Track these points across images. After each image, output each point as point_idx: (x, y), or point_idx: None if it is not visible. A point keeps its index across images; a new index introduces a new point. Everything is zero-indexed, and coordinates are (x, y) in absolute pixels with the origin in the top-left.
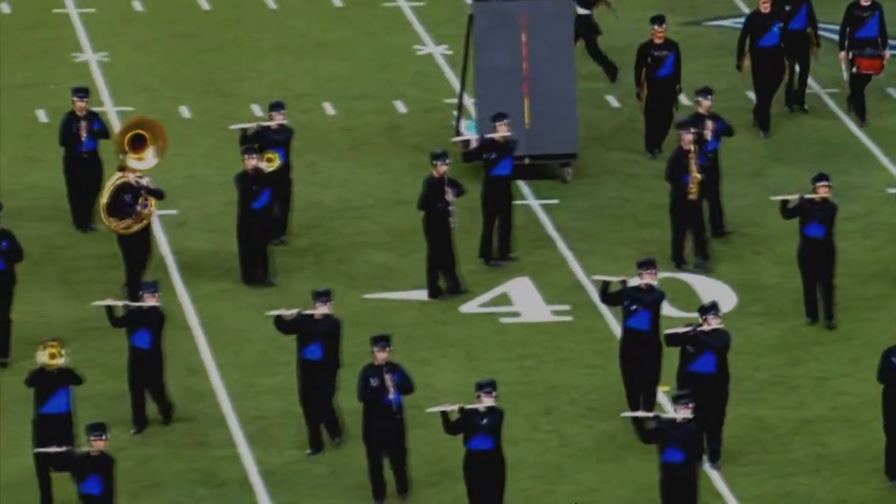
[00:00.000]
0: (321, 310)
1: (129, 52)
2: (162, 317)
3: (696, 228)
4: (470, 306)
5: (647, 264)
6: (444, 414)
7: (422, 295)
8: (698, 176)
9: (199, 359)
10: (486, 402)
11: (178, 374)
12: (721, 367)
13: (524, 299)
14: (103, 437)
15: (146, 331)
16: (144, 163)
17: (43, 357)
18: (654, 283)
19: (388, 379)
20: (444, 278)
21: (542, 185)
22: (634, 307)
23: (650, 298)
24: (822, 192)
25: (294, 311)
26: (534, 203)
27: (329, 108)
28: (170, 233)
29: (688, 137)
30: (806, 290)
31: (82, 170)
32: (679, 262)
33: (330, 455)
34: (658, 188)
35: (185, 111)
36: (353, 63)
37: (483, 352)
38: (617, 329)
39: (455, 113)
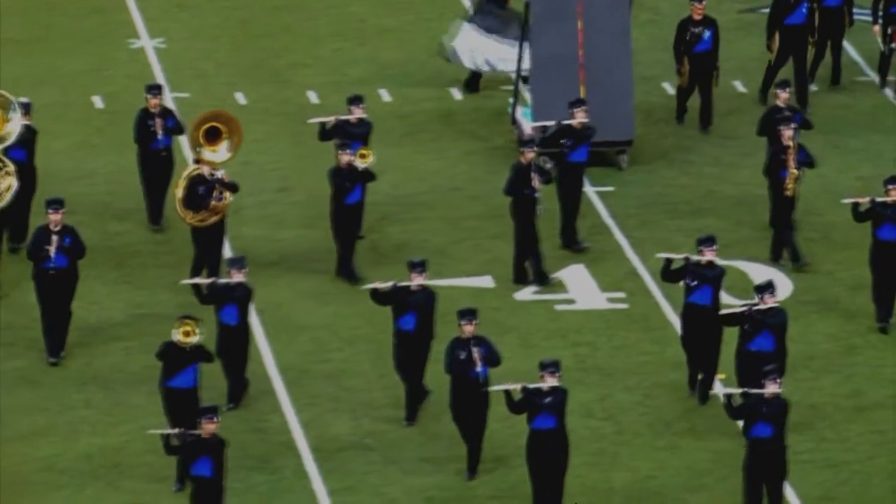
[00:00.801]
0: (416, 281)
1: (185, 38)
2: (249, 292)
3: (788, 225)
4: (525, 293)
5: (708, 241)
6: (508, 393)
7: (477, 281)
8: (795, 172)
9: (253, 345)
10: (550, 381)
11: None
12: (779, 345)
13: (579, 286)
14: (215, 420)
15: (233, 306)
16: (218, 155)
17: (177, 334)
18: (716, 259)
19: (476, 352)
20: (529, 265)
21: (598, 173)
22: (696, 283)
23: (712, 274)
24: (895, 194)
25: (390, 283)
26: (589, 190)
27: (385, 95)
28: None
29: (788, 133)
30: (877, 293)
31: (158, 167)
32: (777, 257)
33: (383, 440)
34: (714, 176)
35: (240, 97)
36: (410, 49)
37: (538, 339)
38: (672, 317)
39: (511, 100)
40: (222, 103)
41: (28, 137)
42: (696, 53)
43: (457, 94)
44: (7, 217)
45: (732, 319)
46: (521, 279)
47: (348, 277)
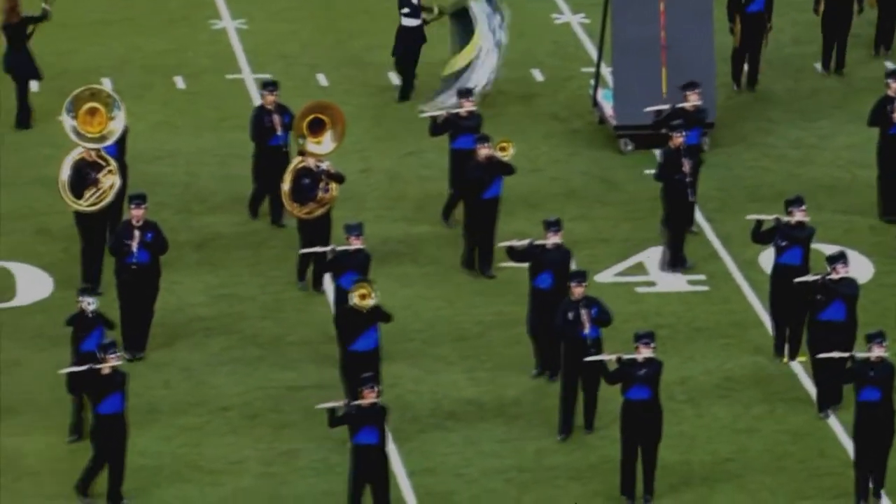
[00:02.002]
0: (552, 239)
1: (266, 19)
2: (368, 258)
3: None
4: (605, 275)
5: (796, 202)
6: (604, 364)
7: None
8: None
9: (333, 326)
10: (645, 353)
11: (313, 340)
12: (850, 315)
13: (660, 269)
14: (375, 389)
15: (353, 272)
16: (322, 147)
17: (354, 298)
18: (806, 219)
19: (585, 313)
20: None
21: None
22: (786, 243)
23: (802, 235)
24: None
25: (526, 242)
26: None
27: None
28: None
29: None
30: None
31: (275, 164)
32: None
33: (464, 421)
34: (796, 159)
35: (322, 79)
36: None
37: (618, 321)
38: (753, 299)
39: (592, 82)
40: (303, 84)
41: (121, 135)
42: (750, 14)
43: (538, 75)
44: (110, 215)
45: (805, 287)
46: (678, 264)
47: (469, 268)
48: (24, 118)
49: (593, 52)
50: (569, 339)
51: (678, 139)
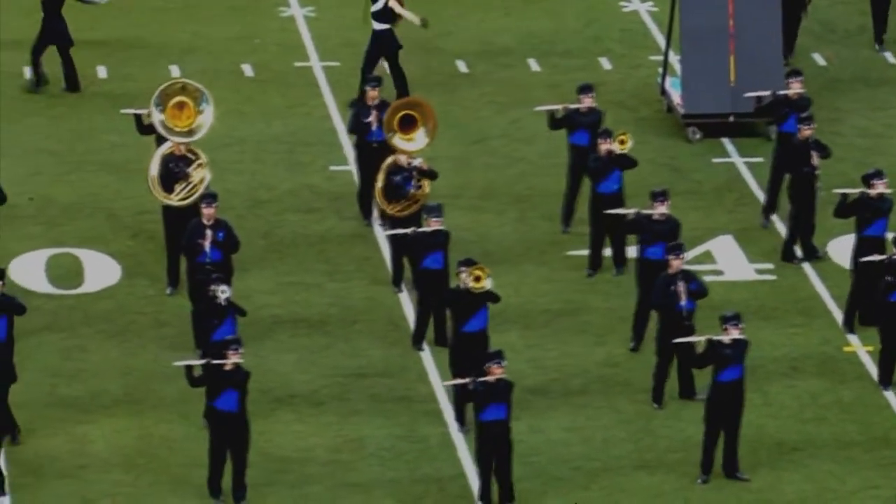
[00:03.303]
0: (659, 210)
1: (334, 6)
2: (448, 237)
3: None
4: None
5: (877, 174)
6: (692, 346)
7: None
8: None
9: (401, 313)
10: (733, 333)
11: (380, 328)
12: None
13: (727, 258)
14: (502, 365)
15: (439, 252)
16: (414, 144)
17: (469, 280)
18: (887, 191)
19: (682, 286)
20: (800, 243)
21: (747, 143)
22: (870, 216)
23: (886, 206)
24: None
25: (632, 211)
26: (738, 161)
27: (533, 65)
28: None
29: None
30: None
31: (372, 159)
32: None
33: (530, 409)
34: (864, 147)
35: (388, 66)
36: (558, 19)
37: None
38: (821, 288)
39: (660, 70)
40: (375, 72)
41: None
42: None
43: (606, 63)
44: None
45: (873, 267)
46: (789, 257)
47: (594, 268)
48: (74, 82)
49: (661, 41)
50: (665, 312)
51: (806, 132)
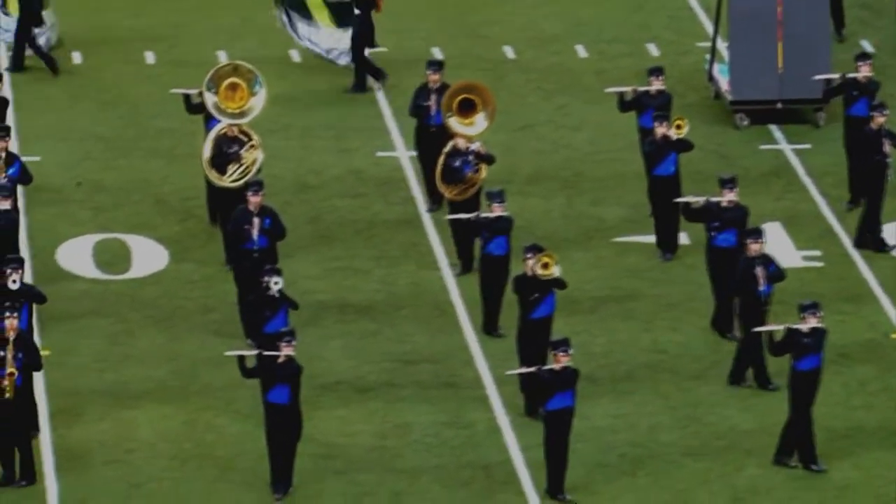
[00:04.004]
0: (728, 197)
1: None
2: (511, 223)
3: None
4: (662, 258)
5: None
6: (770, 334)
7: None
8: None
9: (447, 299)
10: (811, 322)
11: (426, 314)
12: None
13: (775, 245)
14: (568, 353)
15: (502, 238)
16: (473, 128)
17: (537, 267)
18: None
19: (761, 270)
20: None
21: (795, 130)
22: None
23: None
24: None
25: (702, 199)
26: (786, 148)
27: (581, 51)
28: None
29: None
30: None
31: (430, 143)
32: None
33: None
34: None
35: (437, 52)
36: (606, 5)
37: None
38: (868, 275)
39: (708, 57)
40: (419, 58)
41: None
42: None
43: (654, 50)
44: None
45: None
46: (862, 244)
47: (670, 250)
48: (53, 64)
49: (709, 27)
50: (746, 296)
51: (879, 119)
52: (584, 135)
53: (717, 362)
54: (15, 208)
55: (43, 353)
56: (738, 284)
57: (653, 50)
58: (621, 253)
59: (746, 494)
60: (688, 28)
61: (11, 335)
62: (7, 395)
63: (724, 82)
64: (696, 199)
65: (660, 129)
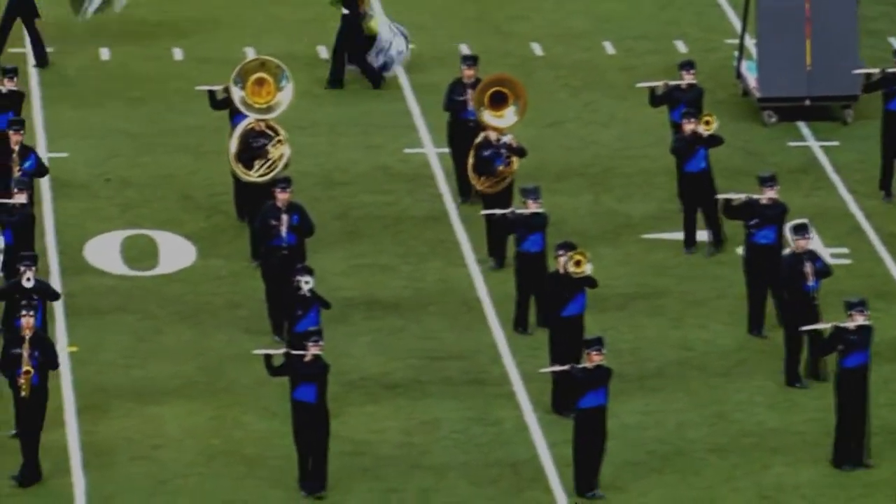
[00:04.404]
0: (768, 194)
1: None
2: (546, 219)
3: None
4: (709, 251)
5: None
6: (818, 332)
7: (699, 236)
8: None
9: (475, 295)
10: (858, 320)
11: (453, 311)
12: None
13: None
14: (602, 351)
15: (538, 235)
16: (504, 120)
17: (569, 264)
18: None
19: (809, 266)
20: None
21: (823, 127)
22: None
23: None
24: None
25: (743, 196)
26: (814, 144)
27: (609, 48)
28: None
29: None
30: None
31: (465, 138)
32: None
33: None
34: None
35: (464, 49)
36: (634, 2)
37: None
38: None
39: (736, 53)
40: (444, 55)
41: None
42: None
43: (681, 46)
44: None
45: None
46: None
47: (716, 240)
48: (42, 57)
49: (737, 23)
50: (793, 292)
51: None
52: (612, 131)
53: (744, 360)
54: (31, 203)
55: (70, 349)
56: (785, 281)
57: (680, 46)
58: (649, 250)
59: (773, 492)
60: (716, 24)
61: (28, 333)
62: (23, 393)
63: (752, 79)
64: (736, 196)
65: (689, 126)
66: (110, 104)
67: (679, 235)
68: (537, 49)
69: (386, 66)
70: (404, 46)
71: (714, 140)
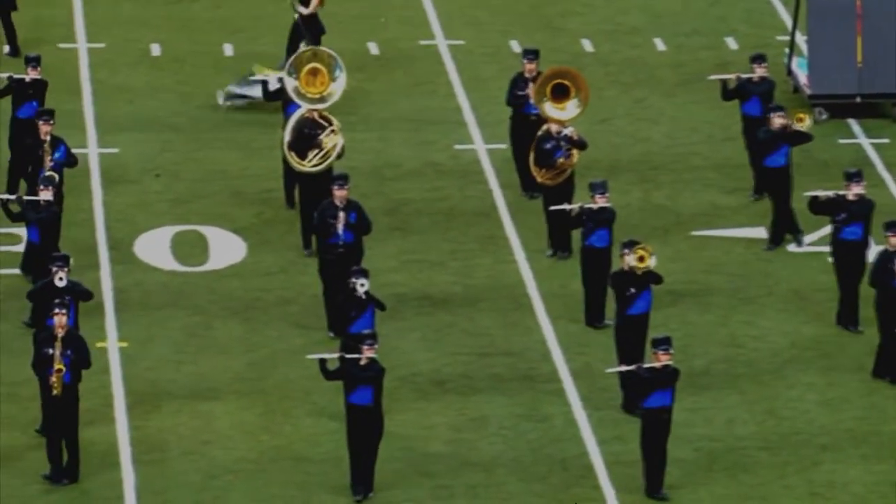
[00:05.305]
0: (854, 190)
1: None
2: (614, 214)
3: None
4: (797, 245)
5: None
6: None
7: (748, 233)
8: None
9: (524, 291)
10: None
11: (503, 307)
12: None
13: None
14: (669, 351)
15: (604, 230)
16: (565, 113)
17: (632, 260)
18: None
19: None
20: None
21: (873, 124)
22: None
23: None
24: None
25: (831, 193)
26: (864, 142)
27: (659, 44)
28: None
29: None
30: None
31: (527, 132)
32: None
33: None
34: None
35: (514, 45)
36: None
37: (810, 291)
38: None
39: (787, 50)
40: (496, 50)
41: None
42: None
43: (732, 43)
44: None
45: None
46: None
47: (794, 233)
48: (15, 46)
49: (788, 20)
50: (882, 289)
51: None
52: (662, 128)
53: (794, 357)
54: (59, 200)
55: (120, 344)
56: (875, 277)
57: (731, 43)
58: (698, 247)
59: (823, 489)
60: (766, 21)
61: (60, 332)
62: (55, 392)
63: (802, 76)
64: (824, 193)
65: (778, 120)
66: (161, 99)
67: (728, 232)
68: (588, 45)
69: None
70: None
71: (801, 137)
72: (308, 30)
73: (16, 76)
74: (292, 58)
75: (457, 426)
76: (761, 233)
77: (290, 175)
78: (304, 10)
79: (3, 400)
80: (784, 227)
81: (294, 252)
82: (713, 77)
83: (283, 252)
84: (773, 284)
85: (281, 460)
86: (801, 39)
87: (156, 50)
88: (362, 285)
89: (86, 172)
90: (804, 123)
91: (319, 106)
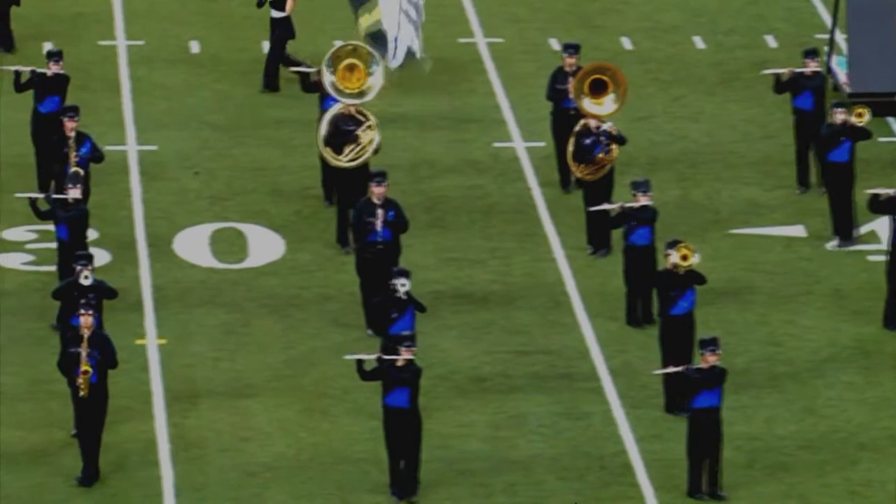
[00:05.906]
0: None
1: None
2: (656, 213)
3: None
4: (837, 244)
5: None
6: None
7: (788, 231)
8: None
9: (563, 290)
10: None
11: (542, 305)
12: None
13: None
14: (716, 352)
15: (646, 228)
16: (603, 108)
17: (675, 257)
18: None
19: None
20: None
21: None
22: None
23: None
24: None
25: (891, 191)
26: None
27: (699, 42)
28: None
29: None
30: None
31: (567, 127)
32: None
33: None
34: None
35: (554, 43)
36: None
37: (850, 289)
38: None
39: (826, 48)
40: (535, 48)
41: None
42: None
43: (771, 41)
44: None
45: None
46: None
47: (845, 236)
48: (8, 42)
49: (827, 19)
50: None
51: None
52: (701, 126)
53: (833, 355)
54: (85, 195)
55: (159, 341)
56: None
57: (770, 42)
58: (738, 245)
59: (862, 488)
60: (806, 20)
61: (86, 332)
62: (82, 393)
63: (842, 74)
64: (884, 191)
65: (840, 116)
66: (199, 96)
67: (768, 230)
68: (627, 43)
69: (406, 62)
70: (414, 35)
71: (861, 133)
72: (280, 31)
73: (38, 71)
74: (330, 52)
75: (495, 424)
76: (800, 231)
77: (329, 172)
78: (277, 14)
79: (43, 398)
80: (843, 222)
81: (332, 249)
82: (766, 72)
83: (322, 249)
84: (814, 283)
85: (319, 458)
86: (840, 38)
87: (195, 47)
88: (403, 285)
89: (125, 170)
90: (863, 119)
91: (356, 101)
